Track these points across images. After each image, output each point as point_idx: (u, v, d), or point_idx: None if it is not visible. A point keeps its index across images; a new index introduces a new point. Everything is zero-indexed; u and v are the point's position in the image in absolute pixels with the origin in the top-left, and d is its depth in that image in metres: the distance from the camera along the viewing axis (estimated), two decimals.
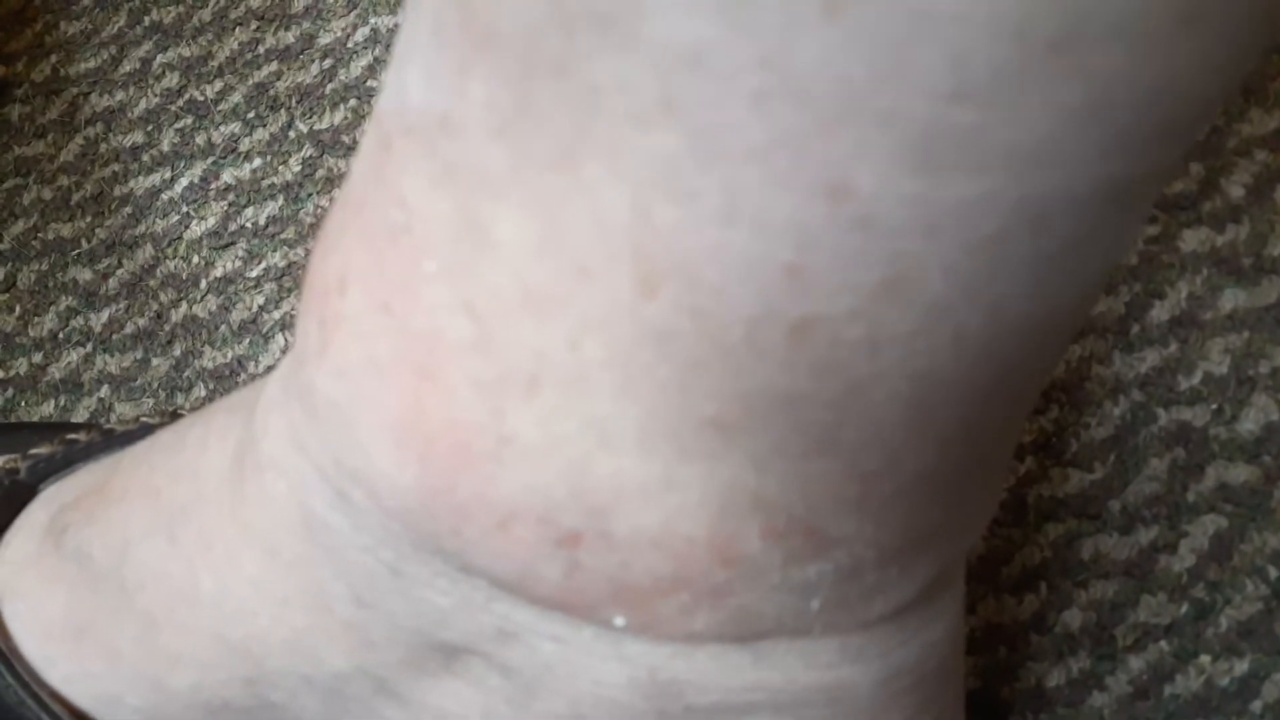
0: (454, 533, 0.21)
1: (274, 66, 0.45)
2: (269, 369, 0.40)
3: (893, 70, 0.15)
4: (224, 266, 0.42)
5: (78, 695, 0.27)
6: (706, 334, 0.18)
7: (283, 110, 0.44)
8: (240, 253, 0.42)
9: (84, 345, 0.42)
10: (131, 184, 0.44)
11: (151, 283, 0.43)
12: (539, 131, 0.18)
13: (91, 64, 0.47)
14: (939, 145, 0.16)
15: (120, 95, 0.46)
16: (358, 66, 0.45)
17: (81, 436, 0.31)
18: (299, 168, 0.43)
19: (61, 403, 0.42)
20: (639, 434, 0.20)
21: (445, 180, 0.19)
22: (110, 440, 0.31)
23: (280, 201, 0.43)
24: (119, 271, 0.43)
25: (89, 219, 0.44)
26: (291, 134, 0.44)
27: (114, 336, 0.42)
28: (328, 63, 0.45)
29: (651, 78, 0.16)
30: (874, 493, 0.21)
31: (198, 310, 0.42)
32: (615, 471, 0.20)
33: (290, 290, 0.42)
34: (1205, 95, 0.17)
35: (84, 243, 0.44)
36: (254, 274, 0.42)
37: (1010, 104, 0.15)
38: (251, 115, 0.45)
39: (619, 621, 0.22)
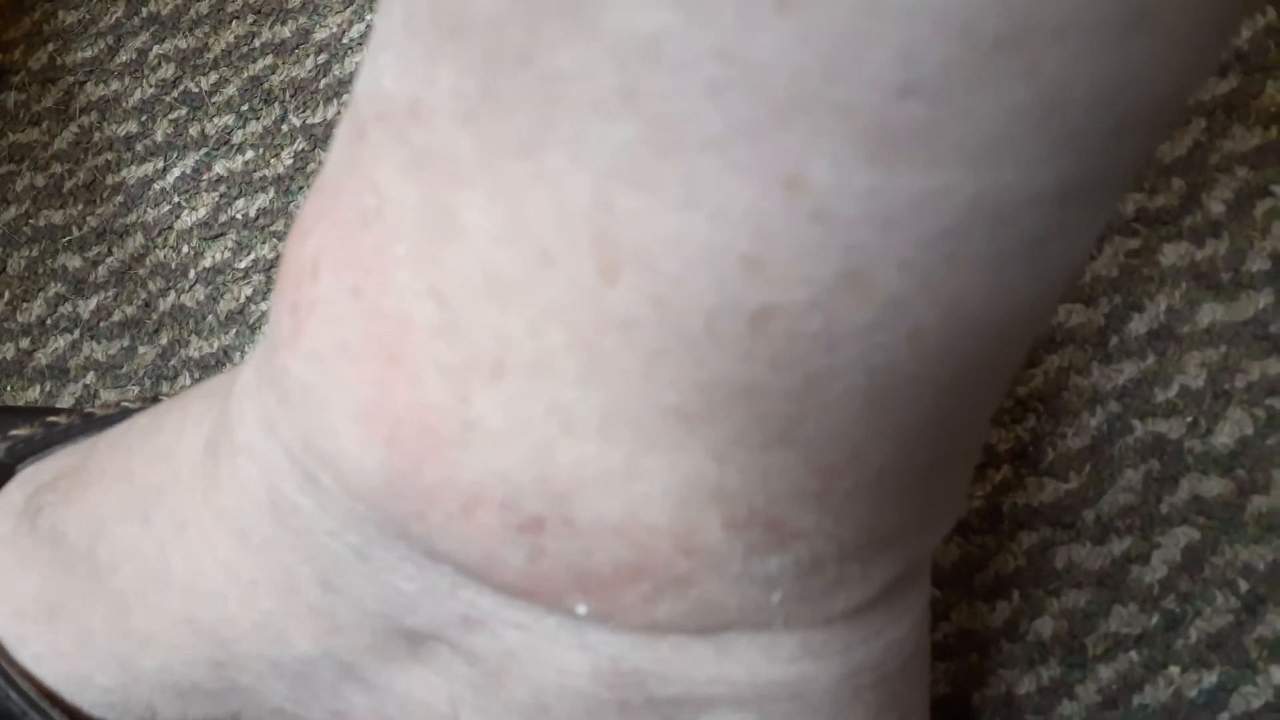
0: (419, 517, 0.21)
1: (269, 60, 0.45)
2: None
3: (845, 63, 0.15)
4: (213, 257, 0.43)
5: (48, 674, 0.27)
6: (667, 323, 0.18)
7: (276, 104, 0.45)
8: (230, 244, 0.43)
9: (71, 332, 0.42)
10: (124, 173, 0.45)
11: (141, 271, 0.43)
12: (504, 119, 0.18)
13: (88, 53, 0.47)
14: (892, 139, 0.16)
15: (116, 85, 0.46)
16: (352, 62, 0.45)
17: (61, 419, 0.31)
18: (291, 161, 0.44)
19: (47, 388, 0.42)
20: (602, 421, 0.20)
21: (415, 166, 0.19)
22: (90, 423, 0.31)
23: (271, 194, 0.43)
24: (109, 259, 0.43)
25: (80, 206, 0.44)
26: (284, 127, 0.44)
27: (101, 324, 0.42)
28: (322, 58, 0.45)
29: (611, 67, 0.16)
30: (835, 487, 0.21)
31: (186, 300, 0.42)
32: (578, 458, 0.20)
33: None
34: (1160, 97, 0.17)
35: (75, 230, 0.44)
36: (243, 265, 0.42)
37: (961, 100, 0.16)
38: (245, 108, 0.45)
39: (581, 609, 0.22)
